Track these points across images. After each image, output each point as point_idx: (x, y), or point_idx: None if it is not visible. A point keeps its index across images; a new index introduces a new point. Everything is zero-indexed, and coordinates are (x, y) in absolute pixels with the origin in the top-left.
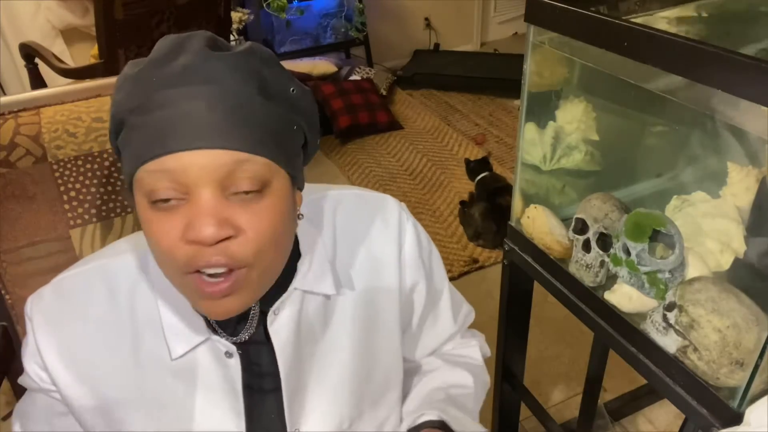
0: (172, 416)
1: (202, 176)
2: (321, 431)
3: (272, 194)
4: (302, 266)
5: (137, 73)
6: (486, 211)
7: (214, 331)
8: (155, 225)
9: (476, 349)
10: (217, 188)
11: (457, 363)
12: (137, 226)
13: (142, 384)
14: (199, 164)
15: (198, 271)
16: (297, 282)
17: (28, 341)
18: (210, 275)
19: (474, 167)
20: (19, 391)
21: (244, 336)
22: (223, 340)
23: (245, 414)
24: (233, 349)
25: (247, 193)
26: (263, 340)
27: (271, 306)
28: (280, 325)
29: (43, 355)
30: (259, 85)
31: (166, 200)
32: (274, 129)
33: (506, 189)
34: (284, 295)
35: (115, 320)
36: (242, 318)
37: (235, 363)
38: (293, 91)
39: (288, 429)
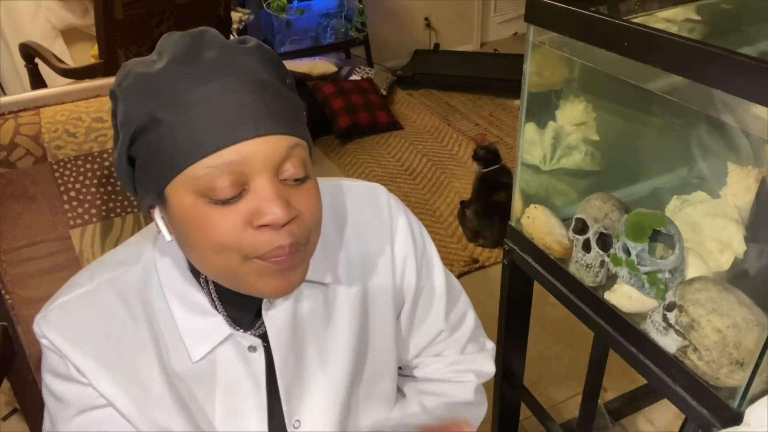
0: (199, 419)
1: (263, 163)
2: (320, 421)
3: (311, 176)
4: None
5: (159, 72)
6: (481, 210)
7: (234, 328)
8: (214, 218)
9: (469, 387)
10: (274, 173)
11: (433, 414)
12: (137, 226)
13: (172, 392)
14: (261, 152)
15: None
16: None
17: (52, 361)
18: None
19: (483, 156)
20: (19, 392)
21: (261, 330)
22: (246, 335)
23: (267, 410)
24: (258, 342)
25: (298, 180)
26: None
27: None
28: (276, 313)
29: (77, 364)
30: (278, 75)
31: (231, 200)
32: (301, 115)
33: (502, 186)
34: None
35: (136, 332)
36: (259, 312)
37: (259, 357)
38: (289, 81)
39: (286, 420)
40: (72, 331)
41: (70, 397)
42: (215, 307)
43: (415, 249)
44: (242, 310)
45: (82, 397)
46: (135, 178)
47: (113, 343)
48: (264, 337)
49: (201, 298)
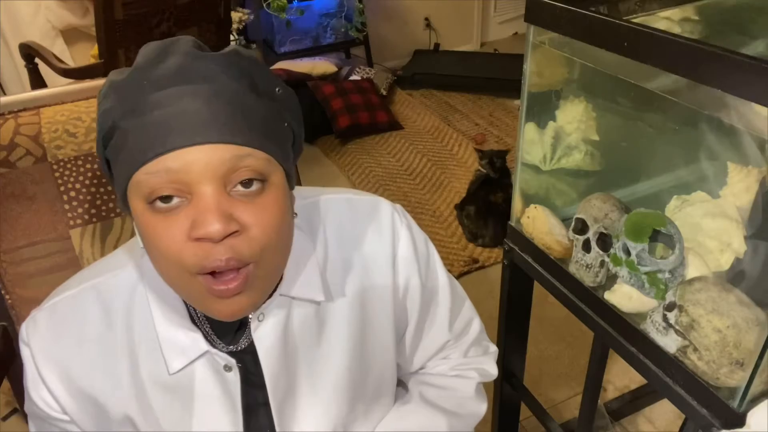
0: (172, 429)
1: (204, 173)
2: None
3: (273, 189)
4: (289, 272)
5: (124, 80)
6: (477, 210)
7: (212, 344)
8: (157, 229)
9: (471, 383)
10: (220, 184)
11: (432, 403)
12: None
13: (143, 402)
14: (201, 160)
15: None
16: (283, 288)
17: (28, 369)
18: (219, 273)
19: (495, 165)
20: (18, 391)
21: (243, 344)
22: (222, 353)
23: (243, 429)
24: (232, 362)
25: (249, 183)
26: (255, 349)
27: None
28: (265, 331)
29: (46, 381)
30: (249, 83)
31: (168, 198)
32: (269, 125)
33: (501, 187)
34: (268, 301)
35: (111, 340)
36: (241, 326)
37: (234, 377)
38: (279, 91)
39: None
40: (50, 341)
41: (31, 402)
42: (195, 321)
43: (419, 264)
44: (224, 322)
45: (39, 410)
46: None
47: (87, 352)
48: (248, 351)
49: (182, 310)
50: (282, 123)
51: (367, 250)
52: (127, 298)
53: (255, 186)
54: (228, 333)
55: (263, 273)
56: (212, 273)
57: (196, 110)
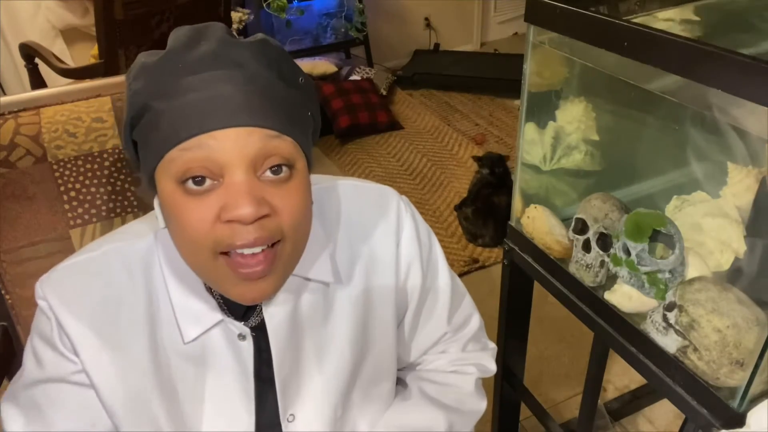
0: (184, 399)
1: (236, 155)
2: (314, 417)
3: (298, 175)
4: None
5: (158, 61)
6: (478, 210)
7: (226, 314)
8: (187, 209)
9: (469, 379)
10: (250, 168)
11: (432, 399)
12: None
13: (158, 367)
14: (234, 142)
15: (229, 253)
16: (295, 269)
17: (41, 323)
18: (245, 256)
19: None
20: None
21: (255, 321)
22: (236, 323)
23: (255, 398)
24: (246, 331)
25: (278, 169)
26: (265, 326)
27: None
28: (276, 309)
29: (68, 330)
30: (278, 71)
31: (201, 181)
32: (295, 113)
33: (504, 187)
34: None
35: (134, 302)
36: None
37: (248, 345)
38: (302, 80)
39: (281, 414)
40: (71, 292)
41: (45, 362)
42: (210, 291)
43: (421, 252)
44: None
45: (57, 366)
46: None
47: (110, 309)
48: (259, 328)
49: (197, 282)
50: (306, 111)
51: (373, 235)
52: (146, 266)
53: (284, 172)
54: (239, 308)
55: (287, 255)
56: (235, 253)
57: (230, 95)
